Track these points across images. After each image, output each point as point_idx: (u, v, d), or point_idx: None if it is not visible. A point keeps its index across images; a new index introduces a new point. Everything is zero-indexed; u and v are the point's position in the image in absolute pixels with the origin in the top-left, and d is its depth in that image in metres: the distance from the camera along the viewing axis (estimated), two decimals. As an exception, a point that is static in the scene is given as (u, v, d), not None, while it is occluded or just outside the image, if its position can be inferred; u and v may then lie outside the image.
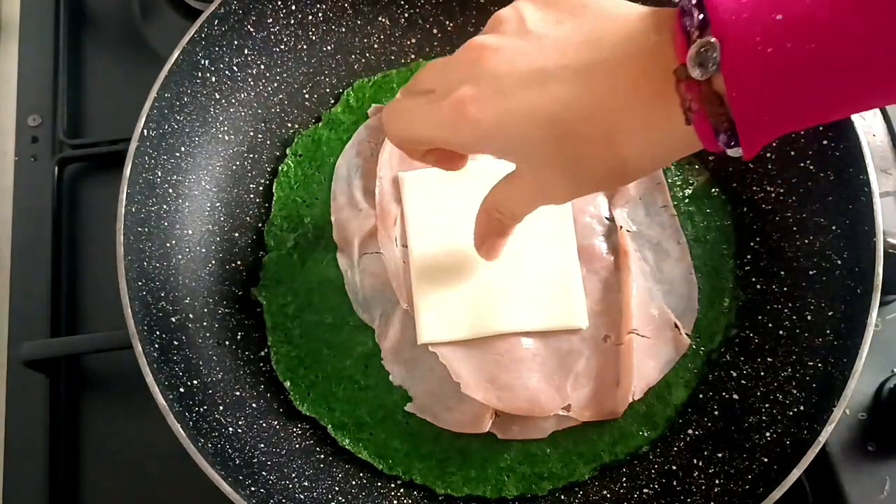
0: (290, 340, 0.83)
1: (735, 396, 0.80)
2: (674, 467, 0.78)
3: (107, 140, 1.00)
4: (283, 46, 0.89)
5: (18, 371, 0.90)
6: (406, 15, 0.92)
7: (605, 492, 0.78)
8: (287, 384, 0.81)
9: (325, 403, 0.81)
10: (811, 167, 0.81)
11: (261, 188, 0.88)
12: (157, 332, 0.76)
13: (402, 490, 0.79)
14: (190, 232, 0.84)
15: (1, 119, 1.04)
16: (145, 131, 0.78)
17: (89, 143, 1.01)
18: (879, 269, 0.73)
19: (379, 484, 0.79)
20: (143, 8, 1.09)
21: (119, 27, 1.09)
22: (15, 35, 1.08)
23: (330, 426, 0.80)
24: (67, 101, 1.03)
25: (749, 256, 0.85)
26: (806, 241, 0.81)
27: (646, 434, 0.80)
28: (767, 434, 0.76)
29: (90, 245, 0.98)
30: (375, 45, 0.92)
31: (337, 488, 0.77)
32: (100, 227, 0.98)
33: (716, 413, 0.80)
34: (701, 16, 0.47)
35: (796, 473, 0.69)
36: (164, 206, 0.81)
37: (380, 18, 0.92)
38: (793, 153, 0.82)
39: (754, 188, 0.85)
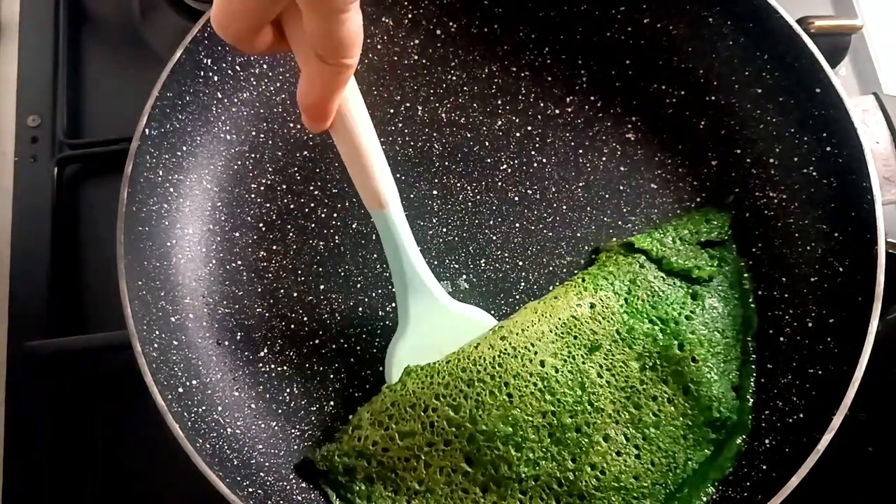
0: None
1: (735, 403, 0.80)
2: (673, 473, 0.78)
3: (106, 140, 1.00)
4: (286, 46, 0.89)
5: (18, 371, 0.90)
6: (410, 16, 0.92)
7: (603, 497, 0.78)
8: None
9: None
10: (814, 174, 0.81)
11: (262, 188, 0.88)
12: (157, 332, 0.76)
13: (400, 493, 0.79)
14: (190, 231, 0.84)
15: (1, 119, 1.04)
16: (147, 130, 0.78)
17: (89, 144, 1.01)
18: (881, 278, 0.73)
19: (377, 486, 0.79)
20: (142, 8, 1.09)
21: (119, 27, 1.09)
22: (14, 35, 1.08)
23: None
24: (67, 102, 1.02)
25: (750, 262, 0.85)
26: (808, 247, 0.81)
27: (738, 440, 0.79)
28: (767, 441, 0.76)
29: (90, 245, 0.97)
30: (378, 46, 0.92)
31: (335, 490, 0.77)
32: (99, 227, 0.98)
33: (716, 419, 0.80)
34: None
35: (795, 481, 0.68)
36: (165, 205, 0.81)
37: (383, 19, 0.91)
38: (796, 159, 0.82)
39: (756, 194, 0.85)
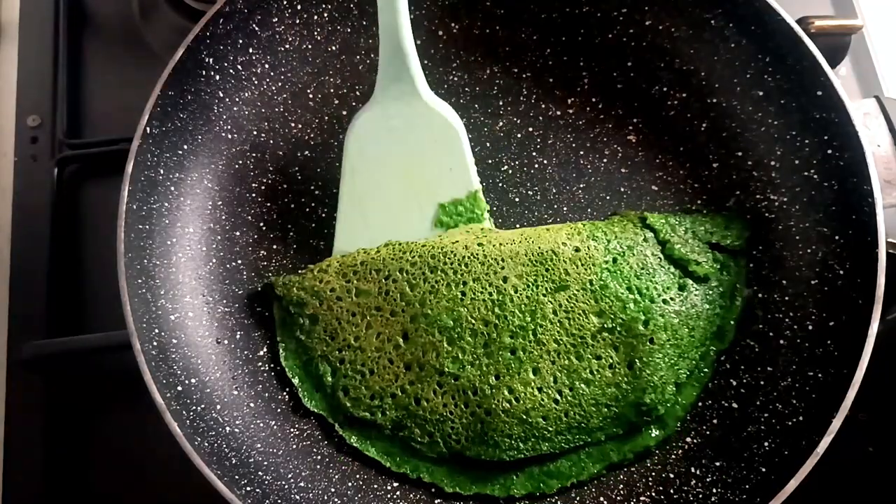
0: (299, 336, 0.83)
1: (734, 405, 0.80)
2: (671, 475, 0.78)
3: (106, 140, 1.01)
4: (287, 46, 0.89)
5: (18, 371, 0.90)
6: (412, 17, 0.91)
7: (601, 498, 0.78)
8: (295, 380, 0.81)
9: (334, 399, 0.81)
10: (815, 176, 0.81)
11: (263, 187, 0.88)
12: (156, 330, 0.76)
13: (398, 493, 0.78)
14: (191, 230, 0.83)
15: (1, 119, 1.04)
16: (148, 128, 0.78)
17: (89, 144, 1.01)
18: (881, 281, 0.73)
19: (375, 486, 0.78)
20: (142, 8, 1.09)
21: (119, 27, 1.10)
22: (14, 36, 1.09)
23: (337, 423, 0.80)
24: (67, 102, 1.03)
25: (751, 265, 0.85)
26: (808, 250, 0.81)
27: (655, 433, 0.80)
28: (766, 444, 0.75)
29: (90, 245, 0.98)
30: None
31: (333, 490, 0.77)
32: (99, 226, 0.98)
33: (715, 422, 0.80)
34: None
35: (794, 484, 0.68)
36: (166, 204, 0.81)
37: (385, 19, 0.91)
38: (797, 162, 0.82)
39: (757, 196, 0.85)
